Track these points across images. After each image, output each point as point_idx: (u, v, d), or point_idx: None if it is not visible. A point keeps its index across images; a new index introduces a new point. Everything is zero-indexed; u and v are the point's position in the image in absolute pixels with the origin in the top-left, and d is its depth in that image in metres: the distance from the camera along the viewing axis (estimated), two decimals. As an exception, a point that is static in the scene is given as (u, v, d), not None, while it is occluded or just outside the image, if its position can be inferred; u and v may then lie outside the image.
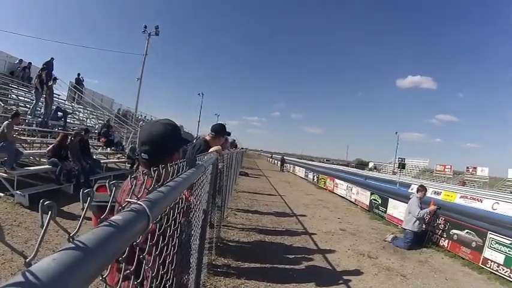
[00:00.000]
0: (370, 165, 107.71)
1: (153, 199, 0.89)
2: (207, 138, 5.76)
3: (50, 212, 0.51)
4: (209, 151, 4.53)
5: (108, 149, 17.18)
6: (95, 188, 2.87)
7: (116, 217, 0.69)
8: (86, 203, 0.63)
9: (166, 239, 1.56)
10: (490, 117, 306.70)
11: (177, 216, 1.81)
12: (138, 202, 0.82)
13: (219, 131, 5.78)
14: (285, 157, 51.36)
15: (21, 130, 12.44)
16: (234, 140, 16.05)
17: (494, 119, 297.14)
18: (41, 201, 0.52)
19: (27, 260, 0.46)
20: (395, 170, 57.75)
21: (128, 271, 1.02)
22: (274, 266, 6.51)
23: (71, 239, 0.54)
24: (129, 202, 0.84)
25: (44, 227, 0.50)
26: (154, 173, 1.00)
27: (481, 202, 26.55)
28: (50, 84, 16.10)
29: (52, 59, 20.38)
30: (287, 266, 6.59)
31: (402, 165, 39.42)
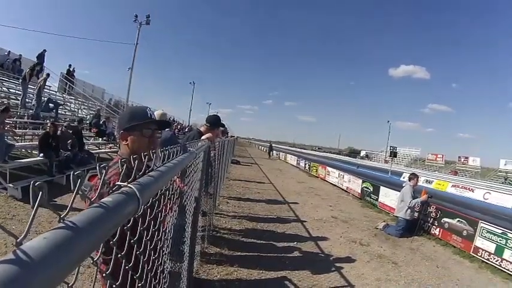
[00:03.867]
0: (362, 153, 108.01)
1: (143, 183, 0.91)
2: (202, 129, 5.80)
3: (40, 192, 0.52)
4: (201, 139, 4.55)
5: (100, 139, 17.10)
6: (87, 178, 2.87)
7: (106, 199, 0.71)
8: (76, 185, 0.64)
9: (157, 224, 1.58)
10: (483, 108, 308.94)
11: (168, 202, 1.83)
12: (129, 185, 0.83)
13: (214, 122, 5.83)
14: (272, 144, 53.69)
15: (12, 123, 12.32)
16: (226, 128, 16.05)
17: (487, 110, 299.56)
18: (32, 182, 0.53)
19: (18, 240, 0.46)
20: (387, 159, 57.85)
21: (119, 255, 1.03)
22: (267, 253, 6.55)
23: (61, 220, 0.56)
24: (119, 186, 0.85)
25: (35, 207, 0.51)
26: (123, 166, 1.00)
27: (473, 192, 26.72)
28: (42, 76, 16.02)
29: (44, 50, 20.31)
30: (279, 254, 6.62)
31: (394, 154, 39.46)
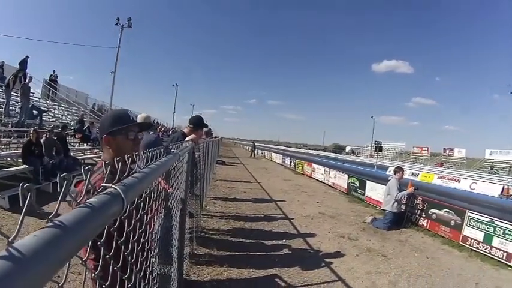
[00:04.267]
0: (347, 149, 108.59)
1: (127, 184, 0.94)
2: (185, 131, 5.82)
3: (29, 193, 0.56)
4: (184, 140, 4.58)
5: (85, 144, 16.96)
6: (73, 184, 2.88)
7: (92, 199, 0.74)
8: (62, 187, 0.68)
9: (143, 226, 1.61)
10: (466, 100, 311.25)
11: (153, 203, 1.86)
12: (113, 186, 0.87)
13: (197, 123, 5.85)
14: (256, 144, 54.06)
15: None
16: (210, 129, 16.05)
17: (471, 101, 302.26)
18: (20, 184, 0.56)
19: (10, 239, 0.50)
20: (373, 153, 58.37)
21: (107, 256, 1.06)
22: (256, 252, 6.57)
23: (49, 221, 0.59)
24: (104, 187, 0.88)
25: (25, 208, 0.55)
26: (107, 166, 1.03)
27: (459, 182, 27.07)
28: (25, 83, 15.86)
29: (27, 57, 20.03)
30: (268, 252, 6.66)
31: (379, 148, 39.76)
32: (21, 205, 0.55)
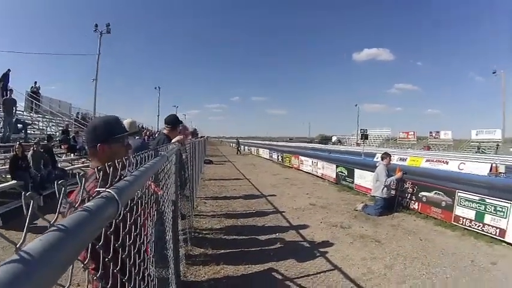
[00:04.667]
0: (333, 139, 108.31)
1: (120, 187, 0.98)
2: (165, 132, 5.91)
3: (31, 201, 0.60)
4: (171, 142, 4.62)
5: (72, 154, 16.82)
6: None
7: (89, 204, 0.79)
8: (61, 193, 0.72)
9: (138, 229, 1.64)
10: (449, 82, 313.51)
11: (145, 206, 1.89)
12: (107, 190, 0.91)
13: (174, 122, 5.96)
14: (240, 140, 55.26)
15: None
16: (195, 129, 16.05)
17: (453, 84, 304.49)
18: (23, 193, 0.60)
19: (17, 245, 0.53)
20: (359, 142, 58.72)
21: (107, 259, 1.10)
22: (250, 248, 6.62)
23: (51, 226, 0.63)
24: (98, 191, 0.92)
25: (29, 215, 0.59)
26: (99, 172, 1.07)
27: (447, 164, 27.20)
28: (7, 97, 15.67)
29: (9, 70, 19.73)
30: (263, 247, 6.69)
31: (365, 136, 39.90)
32: (24, 213, 0.59)
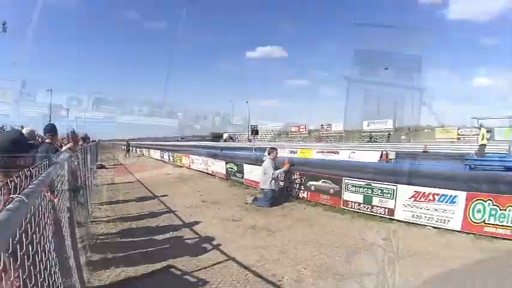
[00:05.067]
0: (225, 136, 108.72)
1: (27, 192, 1.08)
2: (47, 141, 5.90)
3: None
4: (62, 150, 4.54)
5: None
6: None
7: (9, 206, 0.88)
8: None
9: (34, 247, 1.66)
10: (337, 76, 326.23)
11: (42, 216, 1.91)
12: (18, 196, 0.99)
13: (54, 130, 6.05)
14: (130, 142, 53.41)
15: None
16: (86, 134, 15.42)
17: (342, 76, 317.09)
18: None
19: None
20: (250, 137, 59.71)
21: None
22: (147, 248, 6.55)
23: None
24: (12, 198, 0.99)
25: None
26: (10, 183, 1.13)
27: (338, 154, 28.81)
28: None
29: None
30: (159, 246, 6.66)
31: (255, 132, 40.53)
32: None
